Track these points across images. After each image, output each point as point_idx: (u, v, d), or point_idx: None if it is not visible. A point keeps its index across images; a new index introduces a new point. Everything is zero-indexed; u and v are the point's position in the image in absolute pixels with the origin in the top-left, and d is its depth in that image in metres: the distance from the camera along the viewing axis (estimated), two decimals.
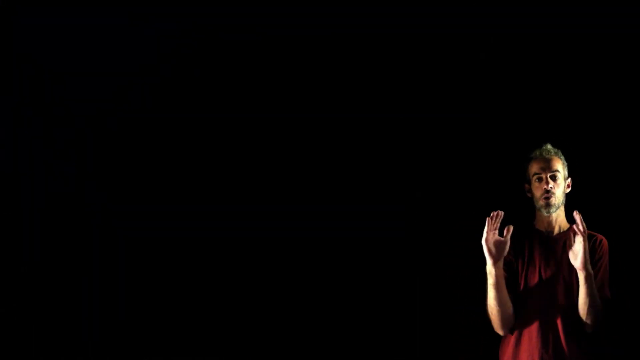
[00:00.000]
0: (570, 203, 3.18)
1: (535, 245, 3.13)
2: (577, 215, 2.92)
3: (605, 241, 3.11)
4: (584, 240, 2.92)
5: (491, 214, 2.98)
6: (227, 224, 3.82)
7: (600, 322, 2.99)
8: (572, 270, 3.04)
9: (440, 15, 3.84)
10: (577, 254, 2.95)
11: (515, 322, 3.08)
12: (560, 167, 3.14)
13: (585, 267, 2.94)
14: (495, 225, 2.98)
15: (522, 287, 3.10)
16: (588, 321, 2.98)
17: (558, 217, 3.16)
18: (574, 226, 2.94)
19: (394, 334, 3.86)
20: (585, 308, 2.96)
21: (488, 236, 2.98)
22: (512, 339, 3.09)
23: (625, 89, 3.82)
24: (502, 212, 2.98)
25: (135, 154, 3.74)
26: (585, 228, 2.93)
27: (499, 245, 2.99)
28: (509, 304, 3.06)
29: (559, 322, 3.01)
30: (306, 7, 3.72)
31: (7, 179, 3.64)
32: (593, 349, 3.03)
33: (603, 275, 3.05)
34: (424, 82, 3.93)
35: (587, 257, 2.94)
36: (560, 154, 3.18)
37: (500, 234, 3.00)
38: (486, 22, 3.88)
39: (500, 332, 3.12)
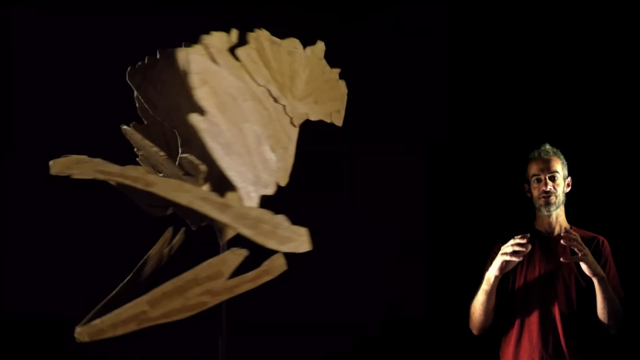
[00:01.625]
0: (571, 203, 3.18)
1: (535, 246, 3.11)
2: (564, 241, 2.92)
3: (606, 242, 3.12)
4: (582, 255, 2.92)
5: (522, 236, 2.97)
6: None
7: (621, 323, 2.99)
8: (571, 270, 3.04)
9: None
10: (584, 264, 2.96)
11: (516, 321, 3.09)
12: (559, 167, 3.13)
13: (596, 272, 2.94)
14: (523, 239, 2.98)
15: (522, 287, 3.10)
16: (611, 324, 2.98)
17: (558, 217, 3.15)
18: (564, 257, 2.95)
19: (396, 334, 3.86)
20: (606, 312, 2.96)
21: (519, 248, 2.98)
22: (512, 339, 3.09)
23: (625, 88, 3.82)
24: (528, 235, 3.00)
25: None
26: (577, 240, 2.93)
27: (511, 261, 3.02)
28: (492, 314, 3.09)
29: (558, 322, 3.01)
30: None
31: None
32: (593, 348, 3.03)
33: (614, 276, 3.06)
34: (423, 83, 3.93)
35: (594, 261, 2.95)
36: (559, 153, 3.18)
37: None
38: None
39: (474, 332, 3.16)
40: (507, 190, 3.57)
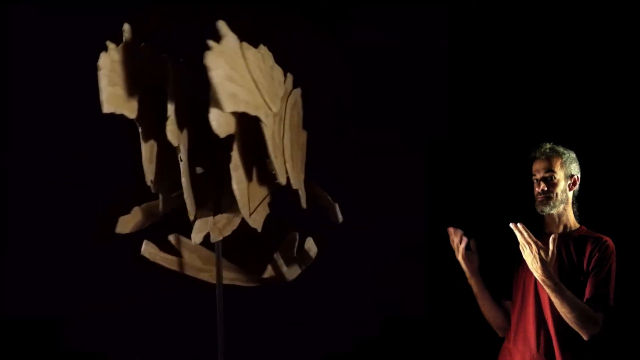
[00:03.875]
0: (581, 203, 3.15)
1: None
2: (514, 228, 2.85)
3: (611, 244, 3.00)
4: (532, 251, 2.83)
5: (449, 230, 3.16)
6: None
7: (592, 330, 2.87)
8: (569, 271, 3.00)
9: None
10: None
11: (513, 321, 3.10)
12: (557, 166, 3.07)
13: (541, 279, 2.86)
14: (457, 241, 3.14)
15: (520, 287, 3.10)
16: (577, 330, 2.88)
17: (562, 217, 3.11)
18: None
19: (396, 334, 3.86)
20: (566, 319, 2.89)
21: (458, 251, 3.15)
22: (511, 339, 3.10)
23: (628, 86, 3.81)
24: (460, 230, 3.16)
25: None
26: (525, 235, 2.83)
27: (467, 258, 3.14)
28: (497, 312, 3.15)
29: (550, 323, 2.98)
30: None
31: None
32: (584, 349, 3.00)
33: (605, 279, 2.93)
34: (423, 83, 3.94)
35: (544, 269, 2.83)
36: (561, 152, 3.10)
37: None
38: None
39: (499, 334, 3.20)
40: (507, 190, 3.57)
